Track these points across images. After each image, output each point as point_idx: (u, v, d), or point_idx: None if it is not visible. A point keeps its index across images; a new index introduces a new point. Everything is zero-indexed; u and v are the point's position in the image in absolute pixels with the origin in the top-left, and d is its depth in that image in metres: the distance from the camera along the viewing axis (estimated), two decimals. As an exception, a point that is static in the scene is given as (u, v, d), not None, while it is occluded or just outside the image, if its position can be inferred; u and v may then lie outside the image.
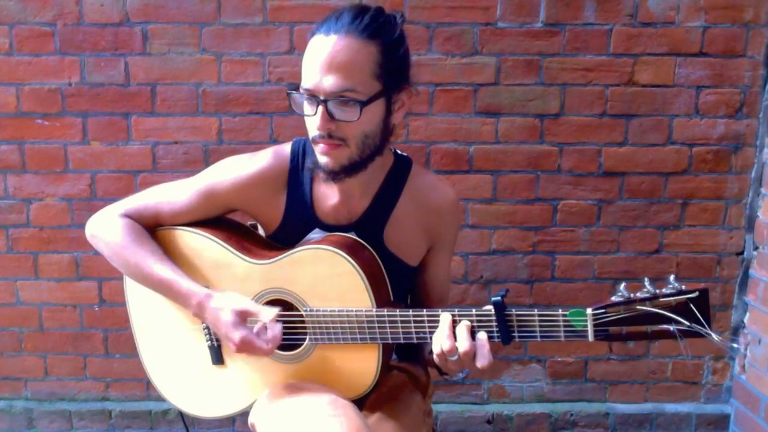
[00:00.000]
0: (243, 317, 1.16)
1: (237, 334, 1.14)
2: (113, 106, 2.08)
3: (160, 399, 1.35)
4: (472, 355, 1.05)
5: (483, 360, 1.05)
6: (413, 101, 1.21)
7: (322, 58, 1.07)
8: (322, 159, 1.14)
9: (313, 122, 1.11)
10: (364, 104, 1.08)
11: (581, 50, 2.05)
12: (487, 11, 2.02)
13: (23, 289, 2.22)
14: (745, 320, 2.21)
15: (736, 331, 2.23)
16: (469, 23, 2.03)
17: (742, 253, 2.19)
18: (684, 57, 2.05)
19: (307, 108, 1.12)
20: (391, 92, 1.14)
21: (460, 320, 1.07)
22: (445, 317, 1.08)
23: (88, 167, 2.13)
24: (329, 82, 1.06)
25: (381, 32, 1.10)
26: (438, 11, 2.02)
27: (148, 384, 2.26)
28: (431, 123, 2.09)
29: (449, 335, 1.06)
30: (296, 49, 2.04)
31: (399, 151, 1.30)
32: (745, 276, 2.20)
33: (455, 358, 1.06)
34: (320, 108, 1.08)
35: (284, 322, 1.18)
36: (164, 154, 2.11)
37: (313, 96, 1.09)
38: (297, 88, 1.12)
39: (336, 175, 1.15)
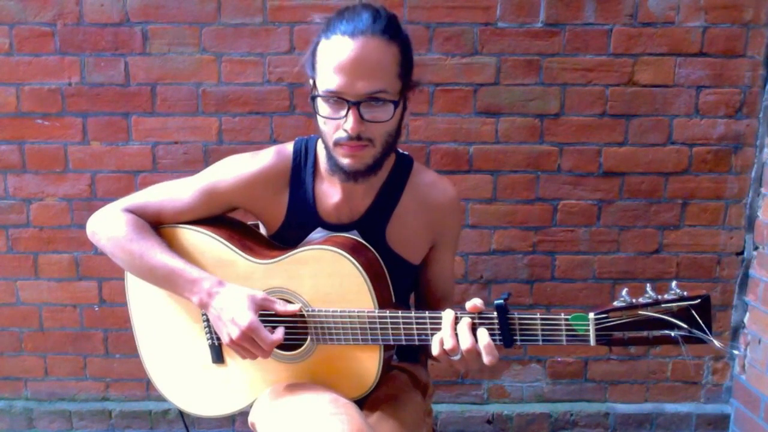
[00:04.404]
0: (258, 305, 1.15)
1: (245, 318, 1.11)
2: (113, 106, 2.08)
3: (160, 399, 1.35)
4: (475, 353, 1.04)
5: (489, 357, 1.04)
6: (415, 99, 1.22)
7: (352, 60, 1.05)
8: (345, 161, 1.13)
9: (338, 125, 1.10)
10: (396, 104, 1.09)
11: (581, 50, 2.05)
12: (487, 11, 2.02)
13: (23, 289, 2.22)
14: (745, 320, 2.21)
15: (736, 331, 2.23)
16: (469, 23, 2.03)
17: (742, 253, 2.19)
18: (684, 57, 2.06)
19: (330, 110, 1.10)
20: (407, 91, 1.15)
21: (461, 317, 1.07)
22: (447, 315, 1.08)
23: (88, 167, 2.13)
24: (362, 84, 1.06)
25: (399, 32, 1.10)
26: (438, 11, 2.02)
27: (148, 384, 2.26)
28: (431, 123, 2.09)
29: (452, 334, 1.06)
30: (296, 49, 2.04)
31: (400, 150, 1.30)
32: (745, 276, 2.20)
33: (458, 357, 1.06)
34: (351, 110, 1.07)
35: (286, 321, 1.18)
36: (164, 154, 2.11)
37: (341, 98, 1.08)
38: (310, 90, 1.12)
39: (359, 175, 1.15)
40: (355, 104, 1.07)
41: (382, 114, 1.09)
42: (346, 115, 1.08)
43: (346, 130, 1.09)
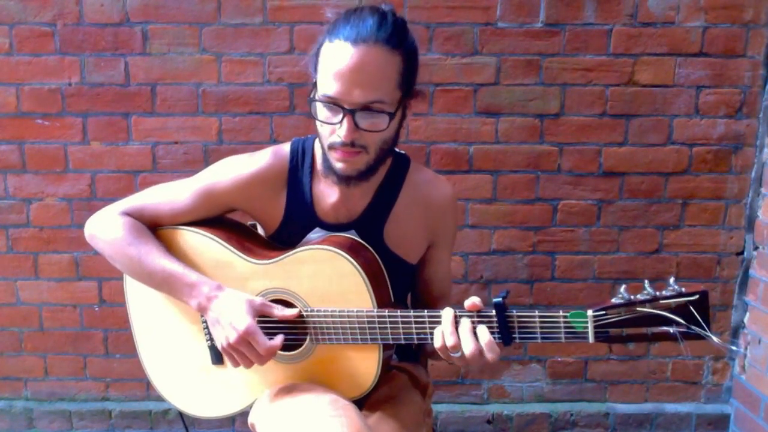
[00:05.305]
0: (257, 310, 1.15)
1: (243, 322, 1.11)
2: (113, 106, 2.08)
3: (160, 399, 1.35)
4: (478, 353, 1.05)
5: (491, 354, 1.04)
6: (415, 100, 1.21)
7: (351, 68, 1.04)
8: (338, 165, 1.13)
9: (333, 129, 1.10)
10: (392, 115, 1.09)
11: (581, 50, 2.05)
12: (487, 11, 2.02)
13: (23, 289, 2.22)
14: (745, 320, 2.21)
15: (736, 331, 2.23)
16: (469, 23, 2.03)
17: (742, 253, 2.19)
18: (684, 57, 2.05)
19: (327, 114, 1.10)
20: (407, 99, 1.15)
21: (460, 317, 1.08)
22: (447, 313, 1.08)
23: (88, 167, 2.13)
24: (358, 93, 1.05)
25: (404, 41, 1.09)
26: (438, 11, 2.02)
27: (148, 384, 2.26)
28: (431, 123, 2.09)
29: (452, 332, 1.06)
30: (296, 49, 2.04)
31: (397, 149, 1.30)
32: (745, 276, 2.20)
33: (458, 354, 1.06)
34: (346, 118, 1.07)
35: (285, 321, 1.18)
36: (164, 154, 2.11)
37: (337, 105, 1.08)
38: (310, 92, 1.12)
39: (351, 179, 1.15)
40: (350, 112, 1.06)
41: (378, 123, 1.08)
42: (341, 122, 1.08)
43: (340, 136, 1.09)
